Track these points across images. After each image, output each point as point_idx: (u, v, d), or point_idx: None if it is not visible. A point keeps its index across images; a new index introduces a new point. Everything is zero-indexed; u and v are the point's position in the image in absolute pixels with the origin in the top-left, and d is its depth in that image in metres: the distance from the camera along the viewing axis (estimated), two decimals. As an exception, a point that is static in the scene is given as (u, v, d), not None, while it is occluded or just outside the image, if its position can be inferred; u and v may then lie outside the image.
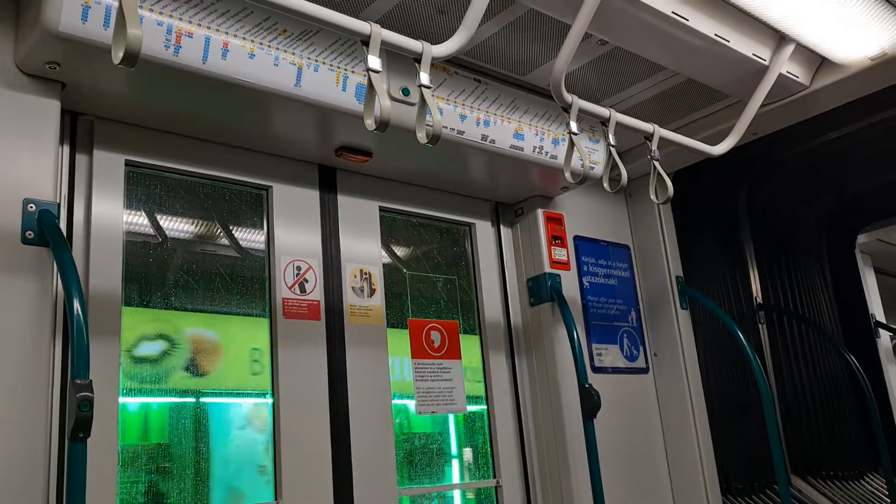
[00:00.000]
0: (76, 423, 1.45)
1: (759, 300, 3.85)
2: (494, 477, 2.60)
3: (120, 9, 1.28)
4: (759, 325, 3.80)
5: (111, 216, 1.98)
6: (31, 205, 1.67)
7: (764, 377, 2.82)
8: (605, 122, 2.14)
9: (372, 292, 2.46)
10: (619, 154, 2.14)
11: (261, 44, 1.90)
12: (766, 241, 3.95)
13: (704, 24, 2.20)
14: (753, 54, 2.36)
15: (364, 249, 2.49)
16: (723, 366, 3.32)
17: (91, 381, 1.49)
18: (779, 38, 2.41)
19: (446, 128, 2.27)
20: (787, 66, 2.47)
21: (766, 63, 2.41)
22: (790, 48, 2.41)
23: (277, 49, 1.93)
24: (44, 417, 1.60)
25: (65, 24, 1.61)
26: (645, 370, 3.02)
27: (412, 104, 2.16)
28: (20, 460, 1.54)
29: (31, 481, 1.55)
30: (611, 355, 2.90)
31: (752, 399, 3.29)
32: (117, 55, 1.29)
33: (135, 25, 1.27)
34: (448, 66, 2.33)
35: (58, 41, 1.63)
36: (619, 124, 2.15)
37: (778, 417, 3.65)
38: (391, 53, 2.07)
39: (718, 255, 3.62)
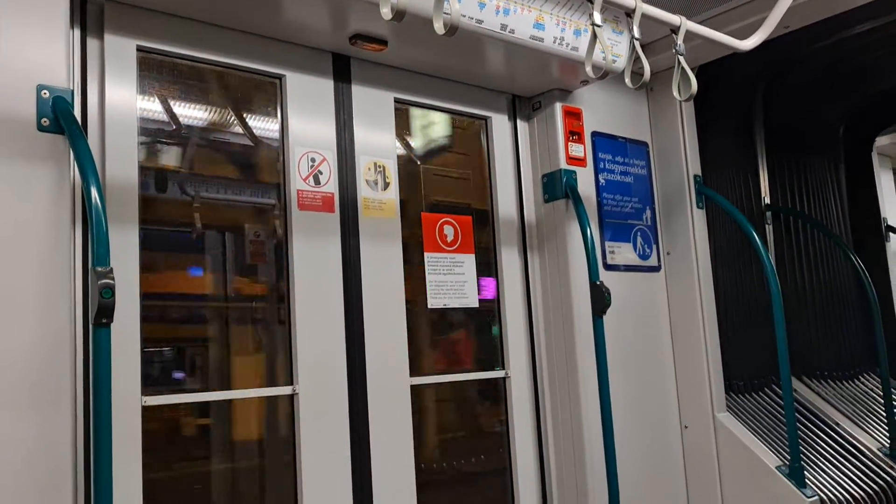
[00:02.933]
0: (99, 309, 1.49)
1: (768, 201, 3.82)
2: (503, 368, 2.68)
3: None
4: (766, 226, 3.78)
5: (125, 103, 1.96)
6: (45, 91, 1.66)
7: (776, 278, 2.83)
8: (630, 13, 2.06)
9: (386, 185, 2.45)
10: (641, 47, 2.07)
11: (273, -77, 1.81)
12: (779, 141, 3.87)
13: None
14: (791, -58, 2.24)
15: (378, 141, 2.47)
16: (733, 266, 3.33)
17: (112, 268, 1.52)
18: (819, -76, 2.28)
19: (464, 16, 2.19)
20: (825, -46, 2.35)
21: (803, -49, 2.29)
22: (830, -65, 2.28)
23: (290, -71, 1.84)
24: (67, 304, 1.65)
25: None
26: (657, 268, 3.04)
27: (430, -9, 2.08)
28: (47, 346, 1.60)
29: (58, 366, 1.61)
30: (623, 253, 2.91)
31: (758, 300, 3.32)
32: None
33: None
34: (468, -50, 2.23)
35: (62, -82, 1.57)
36: (644, 16, 2.07)
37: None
38: (409, -64, 1.98)
39: (731, 154, 3.55)
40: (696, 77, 2.21)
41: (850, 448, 3.25)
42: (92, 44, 1.93)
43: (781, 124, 3.86)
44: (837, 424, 3.39)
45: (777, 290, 2.82)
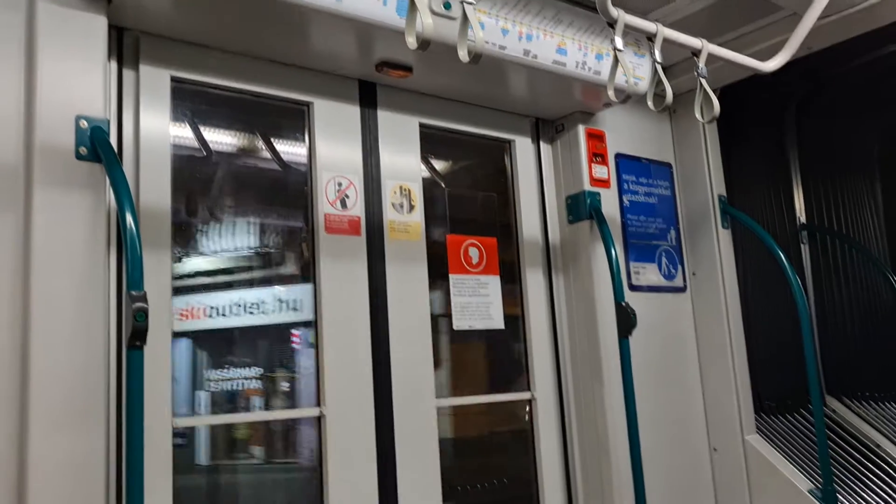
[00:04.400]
0: (133, 332, 1.53)
1: (803, 220, 3.79)
2: (529, 390, 2.68)
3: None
4: (802, 245, 3.75)
5: (159, 132, 2.01)
6: (83, 121, 1.71)
7: (803, 296, 2.81)
8: (651, 37, 2.08)
9: (411, 208, 2.49)
10: (663, 69, 2.08)
11: (301, -44, 1.87)
12: (813, 160, 3.85)
13: (761, -70, 2.09)
14: (812, -37, 2.25)
15: (404, 165, 2.50)
16: (764, 286, 3.31)
17: (145, 292, 1.56)
18: (841, -55, 2.29)
19: (488, 43, 2.23)
20: (848, -25, 2.36)
21: (825, -28, 2.30)
22: (852, -44, 2.29)
23: (318, -38, 1.90)
24: (102, 328, 1.69)
25: (107, -62, 1.60)
26: (682, 289, 3.03)
27: (453, 19, 2.12)
28: (82, 368, 1.64)
29: (92, 388, 1.65)
30: (648, 274, 2.91)
31: (790, 319, 3.29)
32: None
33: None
34: (491, -22, 2.27)
35: (101, -44, 1.63)
36: (665, 40, 2.09)
37: (816, 338, 3.65)
38: (432, -34, 2.03)
39: (762, 173, 3.54)
40: (724, 97, 2.21)
41: (892, 472, 3.19)
42: (128, 75, 1.99)
43: (815, 143, 3.84)
44: (878, 447, 3.33)
45: (804, 307, 2.79)
